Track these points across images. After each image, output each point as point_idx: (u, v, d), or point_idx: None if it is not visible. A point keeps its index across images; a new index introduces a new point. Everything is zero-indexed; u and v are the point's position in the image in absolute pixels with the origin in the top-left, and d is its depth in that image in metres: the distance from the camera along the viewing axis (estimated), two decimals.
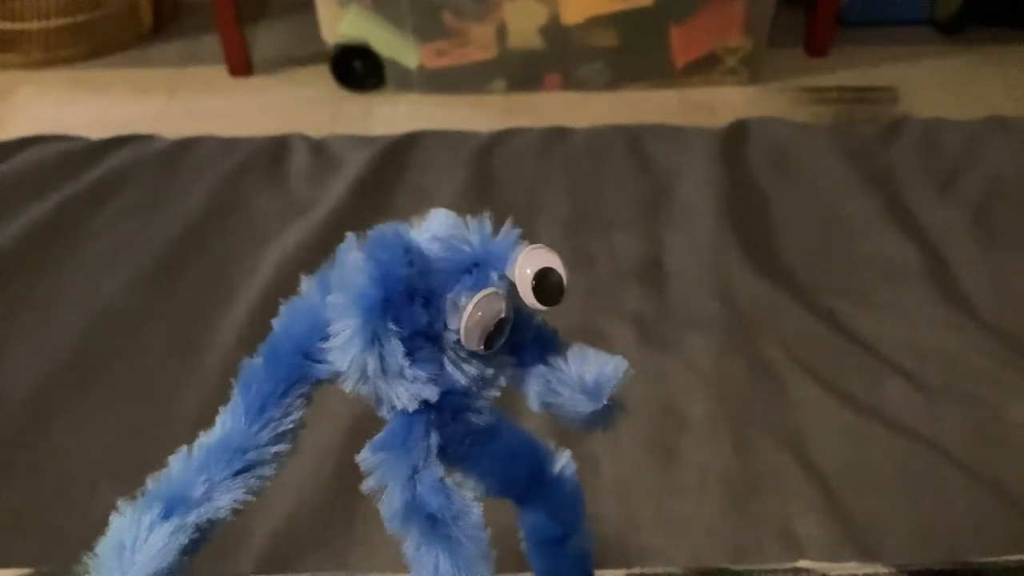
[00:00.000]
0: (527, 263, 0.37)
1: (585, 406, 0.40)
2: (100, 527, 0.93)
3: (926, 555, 0.87)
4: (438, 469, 0.37)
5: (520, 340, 0.40)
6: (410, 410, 0.37)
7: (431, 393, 0.37)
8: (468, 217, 0.38)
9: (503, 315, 0.37)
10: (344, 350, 0.35)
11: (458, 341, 0.37)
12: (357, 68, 1.89)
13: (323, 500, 0.94)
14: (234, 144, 1.55)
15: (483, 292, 0.36)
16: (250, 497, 0.39)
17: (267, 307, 1.15)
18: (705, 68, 1.86)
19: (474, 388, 0.39)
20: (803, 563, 0.53)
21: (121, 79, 1.94)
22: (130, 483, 0.99)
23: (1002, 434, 1.01)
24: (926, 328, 1.14)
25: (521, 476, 0.47)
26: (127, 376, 1.09)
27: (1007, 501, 0.93)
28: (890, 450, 0.99)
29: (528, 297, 0.37)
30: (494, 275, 0.37)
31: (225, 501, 0.39)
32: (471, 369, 0.38)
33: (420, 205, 1.41)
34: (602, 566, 0.53)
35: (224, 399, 0.39)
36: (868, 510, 0.93)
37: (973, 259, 1.25)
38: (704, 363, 1.11)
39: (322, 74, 1.89)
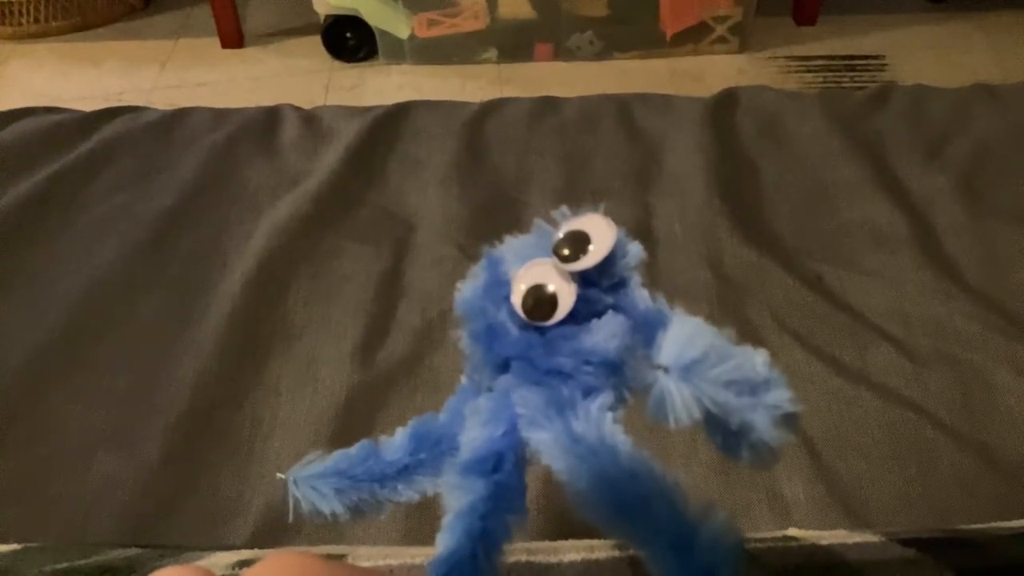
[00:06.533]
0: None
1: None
2: (97, 497, 0.94)
3: (914, 520, 0.88)
4: None
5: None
6: None
7: None
8: None
9: (546, 287, 0.37)
10: None
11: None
12: (349, 39, 1.89)
13: None
14: (226, 115, 1.55)
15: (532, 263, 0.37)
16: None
17: (261, 277, 1.16)
18: (694, 37, 1.86)
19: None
20: (792, 531, 0.54)
21: (113, 51, 1.94)
22: (127, 453, 0.99)
23: (988, 398, 1.01)
24: (913, 294, 1.15)
25: None
26: (122, 346, 1.09)
27: (992, 464, 0.94)
28: (876, 414, 0.99)
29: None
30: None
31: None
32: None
33: (412, 175, 1.42)
34: (591, 534, 0.54)
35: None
36: (855, 473, 0.94)
37: (960, 225, 1.26)
38: None
39: (314, 45, 1.89)
